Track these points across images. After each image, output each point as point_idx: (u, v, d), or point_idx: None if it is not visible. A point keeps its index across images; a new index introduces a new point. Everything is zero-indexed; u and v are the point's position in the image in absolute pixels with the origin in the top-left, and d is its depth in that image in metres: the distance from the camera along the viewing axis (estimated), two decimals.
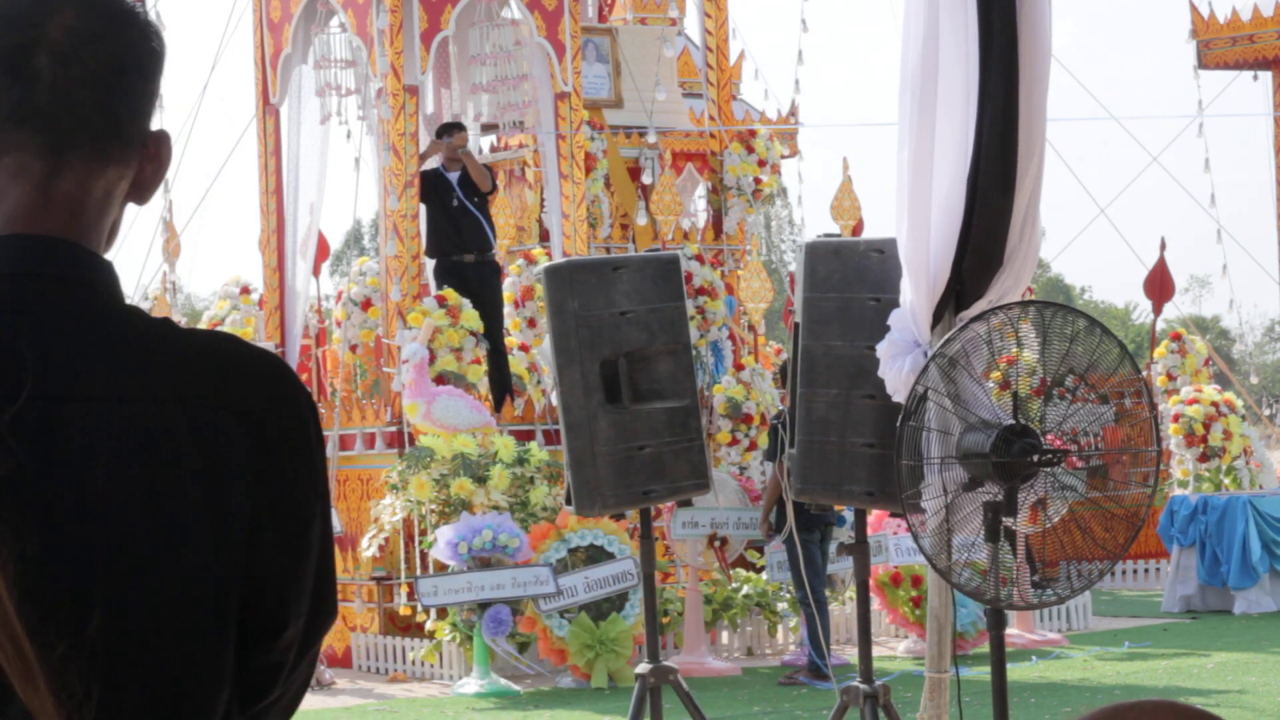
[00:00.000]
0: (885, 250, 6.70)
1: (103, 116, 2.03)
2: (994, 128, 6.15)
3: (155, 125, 2.12)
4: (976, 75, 6.12)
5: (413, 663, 14.96)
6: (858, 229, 19.02)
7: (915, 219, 6.33)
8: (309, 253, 17.46)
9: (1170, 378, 20.95)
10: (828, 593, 14.57)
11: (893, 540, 14.12)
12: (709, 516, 14.75)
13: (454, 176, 16.54)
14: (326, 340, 18.17)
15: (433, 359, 15.50)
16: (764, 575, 15.59)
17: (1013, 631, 14.91)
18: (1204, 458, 19.57)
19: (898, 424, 6.07)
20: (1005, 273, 6.29)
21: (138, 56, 2.06)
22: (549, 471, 14.89)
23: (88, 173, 2.03)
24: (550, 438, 15.66)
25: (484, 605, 13.88)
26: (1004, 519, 6.00)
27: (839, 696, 7.20)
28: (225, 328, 16.96)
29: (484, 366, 16.05)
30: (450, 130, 16.75)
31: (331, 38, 17.14)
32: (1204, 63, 23.04)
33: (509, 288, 17.45)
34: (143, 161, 2.08)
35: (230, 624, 1.99)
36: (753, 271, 18.97)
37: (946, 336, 6.13)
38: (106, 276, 2.03)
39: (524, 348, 17.35)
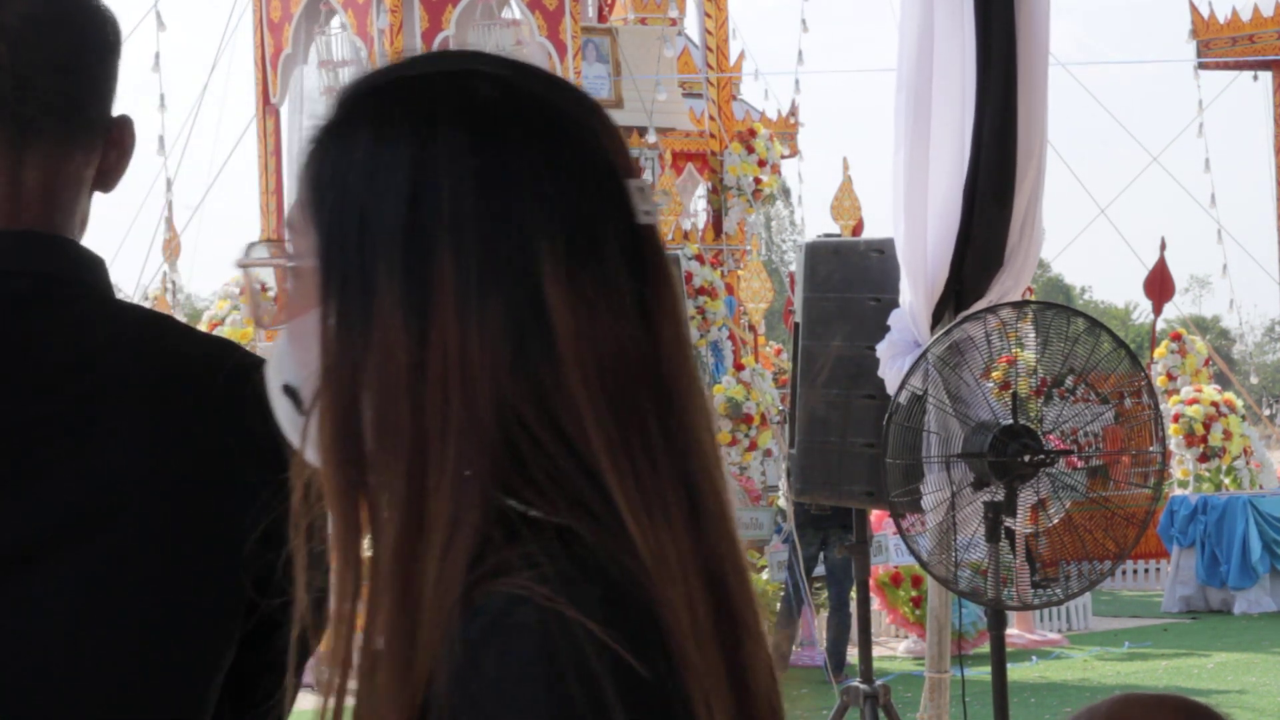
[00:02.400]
0: (885, 250, 6.70)
1: (65, 101, 1.97)
2: (993, 127, 6.15)
3: (126, 113, 2.07)
4: (973, 74, 6.13)
5: None
6: (858, 229, 19.02)
7: (912, 220, 6.34)
8: None
9: (1170, 378, 20.95)
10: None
11: (893, 540, 14.12)
12: None
13: None
14: None
15: None
16: (764, 575, 15.59)
17: (1013, 631, 14.91)
18: (1204, 458, 19.57)
19: (884, 423, 6.08)
20: (1005, 273, 6.29)
21: (95, 41, 2.01)
22: None
23: (55, 160, 1.96)
24: None
25: None
26: (1004, 519, 6.01)
27: (839, 696, 7.20)
28: (225, 328, 16.96)
29: None
30: None
31: (332, 38, 17.15)
32: (1204, 63, 23.04)
33: None
34: (107, 148, 2.03)
35: None
36: (753, 271, 18.97)
37: (936, 336, 6.13)
38: (101, 272, 1.98)
39: None
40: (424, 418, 1.22)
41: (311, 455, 1.29)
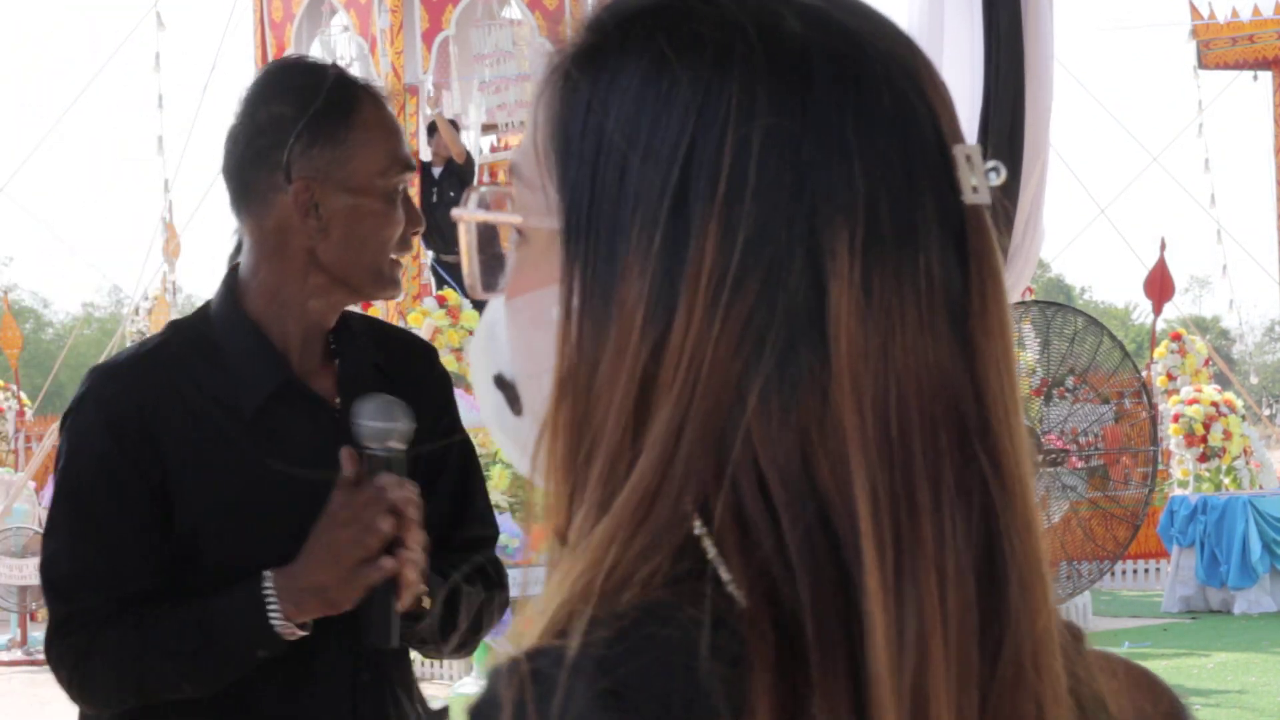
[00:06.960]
0: None
1: None
2: (999, 128, 6.15)
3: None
4: (981, 74, 6.13)
5: (414, 662, 14.94)
6: None
7: None
8: None
9: (1170, 378, 20.95)
10: None
11: None
12: None
13: (437, 171, 16.55)
14: None
15: None
16: None
17: None
18: (1204, 458, 19.57)
19: None
20: (1005, 272, 6.30)
21: None
22: None
23: None
24: None
25: None
26: None
27: None
28: None
29: None
30: (432, 130, 16.78)
31: (334, 38, 17.16)
32: (1204, 63, 23.05)
33: None
34: None
35: None
36: None
37: None
38: None
39: None
40: (637, 449, 0.92)
41: (536, 476, 1.02)
